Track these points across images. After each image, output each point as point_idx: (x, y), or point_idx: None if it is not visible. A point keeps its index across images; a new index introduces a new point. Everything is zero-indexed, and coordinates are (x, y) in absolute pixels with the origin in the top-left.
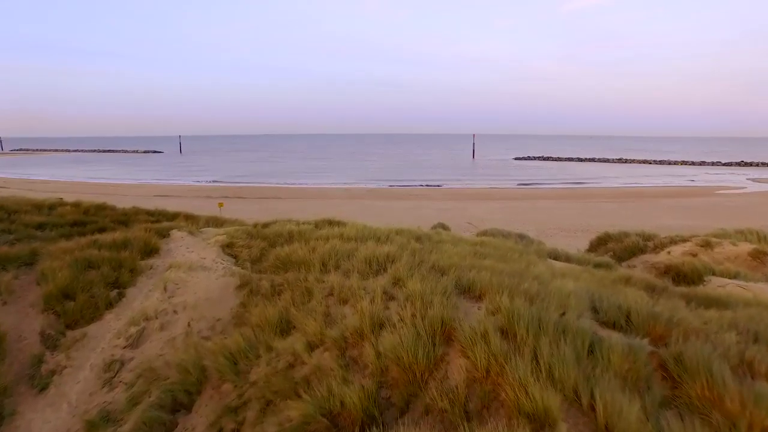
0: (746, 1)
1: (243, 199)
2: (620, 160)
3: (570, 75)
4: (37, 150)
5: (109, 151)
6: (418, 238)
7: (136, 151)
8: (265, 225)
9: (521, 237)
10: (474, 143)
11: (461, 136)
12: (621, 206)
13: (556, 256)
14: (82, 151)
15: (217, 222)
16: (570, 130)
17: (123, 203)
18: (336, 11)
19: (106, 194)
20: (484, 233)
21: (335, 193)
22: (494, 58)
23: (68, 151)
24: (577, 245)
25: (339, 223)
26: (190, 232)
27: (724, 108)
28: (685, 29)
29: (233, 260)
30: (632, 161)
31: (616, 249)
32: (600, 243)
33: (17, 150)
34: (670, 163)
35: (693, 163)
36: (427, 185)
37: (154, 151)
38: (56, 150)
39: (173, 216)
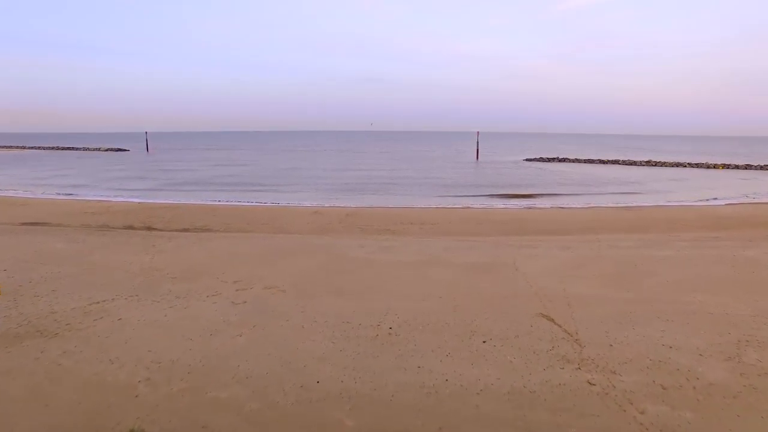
0: (745, 1)
1: (151, 231)
2: (649, 163)
3: (565, 73)
4: None
5: (68, 148)
6: None
7: (99, 149)
8: None
9: None
10: (478, 142)
11: (460, 134)
12: (762, 250)
13: None
14: (39, 148)
15: None
16: (567, 129)
17: None
18: (333, 10)
19: None
20: None
21: (298, 220)
22: (492, 57)
23: (24, 147)
24: None
25: None
26: None
27: (718, 107)
28: (682, 29)
29: None
30: (663, 164)
31: None
32: None
33: None
34: (708, 166)
35: (737, 167)
36: (434, 205)
37: (119, 149)
38: (8, 147)
39: None
